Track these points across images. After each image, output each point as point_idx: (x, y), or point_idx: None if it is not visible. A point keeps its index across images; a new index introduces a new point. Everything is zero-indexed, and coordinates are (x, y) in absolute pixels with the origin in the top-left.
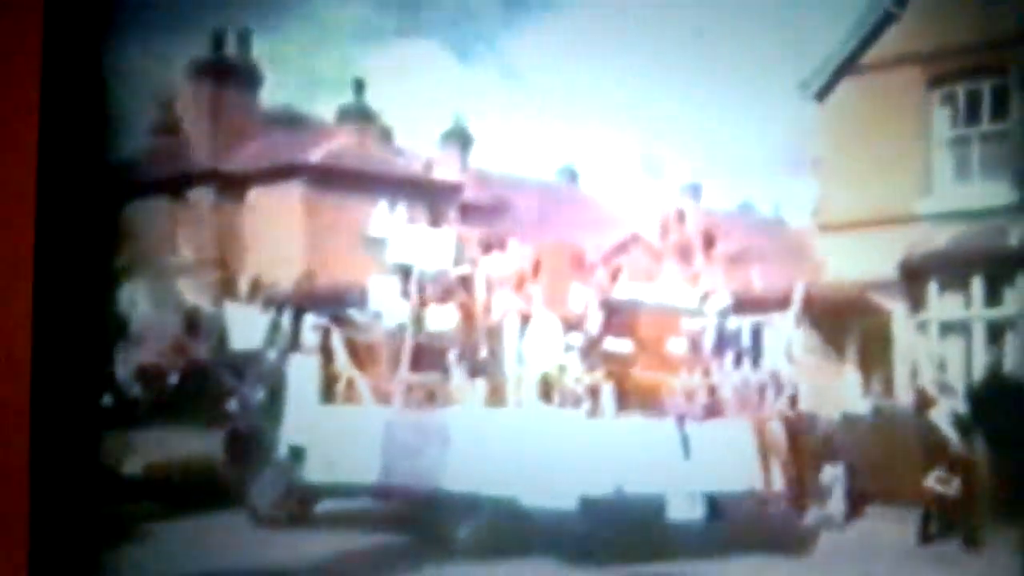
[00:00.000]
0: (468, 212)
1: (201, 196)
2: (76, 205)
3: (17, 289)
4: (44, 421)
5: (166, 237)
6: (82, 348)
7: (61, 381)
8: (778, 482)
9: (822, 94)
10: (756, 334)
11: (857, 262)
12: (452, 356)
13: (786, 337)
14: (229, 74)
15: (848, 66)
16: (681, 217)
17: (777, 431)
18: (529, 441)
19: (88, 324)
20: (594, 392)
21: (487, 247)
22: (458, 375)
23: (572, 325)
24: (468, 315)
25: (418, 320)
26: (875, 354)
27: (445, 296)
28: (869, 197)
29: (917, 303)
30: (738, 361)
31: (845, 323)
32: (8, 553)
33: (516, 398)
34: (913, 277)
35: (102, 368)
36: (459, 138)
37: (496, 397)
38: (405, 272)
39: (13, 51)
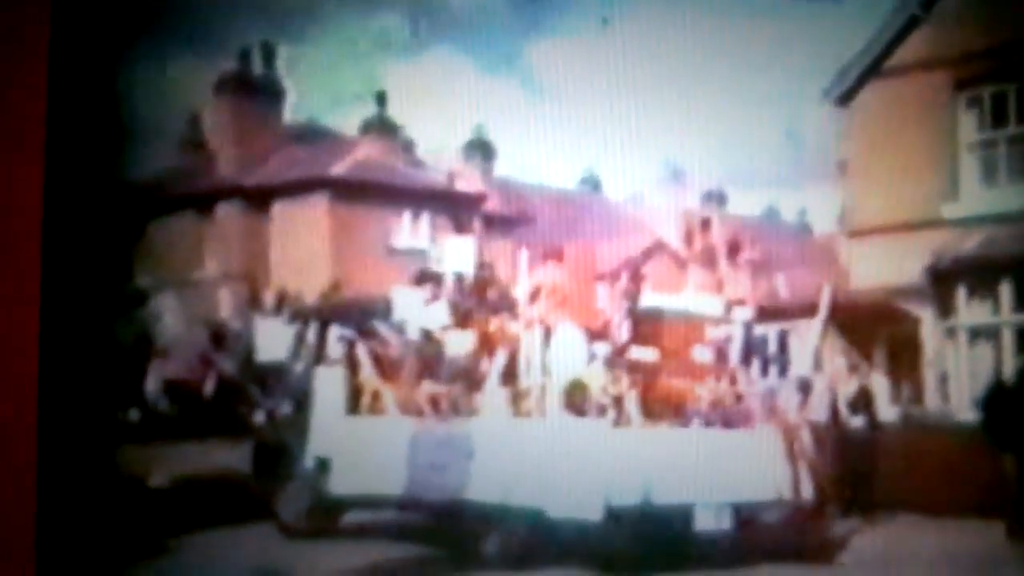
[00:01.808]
0: (491, 222)
1: (227, 211)
2: (84, 222)
3: (23, 302)
4: (52, 436)
5: (193, 252)
6: (93, 363)
7: (68, 398)
8: (806, 491)
9: (847, 99)
10: (782, 341)
11: (884, 268)
12: (481, 366)
13: (813, 344)
14: (254, 89)
15: (873, 71)
16: (706, 224)
17: (806, 439)
18: (555, 451)
19: (97, 340)
20: (619, 401)
21: (544, 257)
22: (485, 385)
23: (597, 334)
24: (497, 326)
25: (443, 331)
26: (904, 361)
27: (477, 307)
28: (895, 202)
29: (945, 309)
30: (765, 369)
31: (873, 330)
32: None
33: (541, 408)
34: (941, 282)
35: (114, 383)
36: (481, 149)
37: (521, 407)
38: (433, 282)
39: (20, 66)
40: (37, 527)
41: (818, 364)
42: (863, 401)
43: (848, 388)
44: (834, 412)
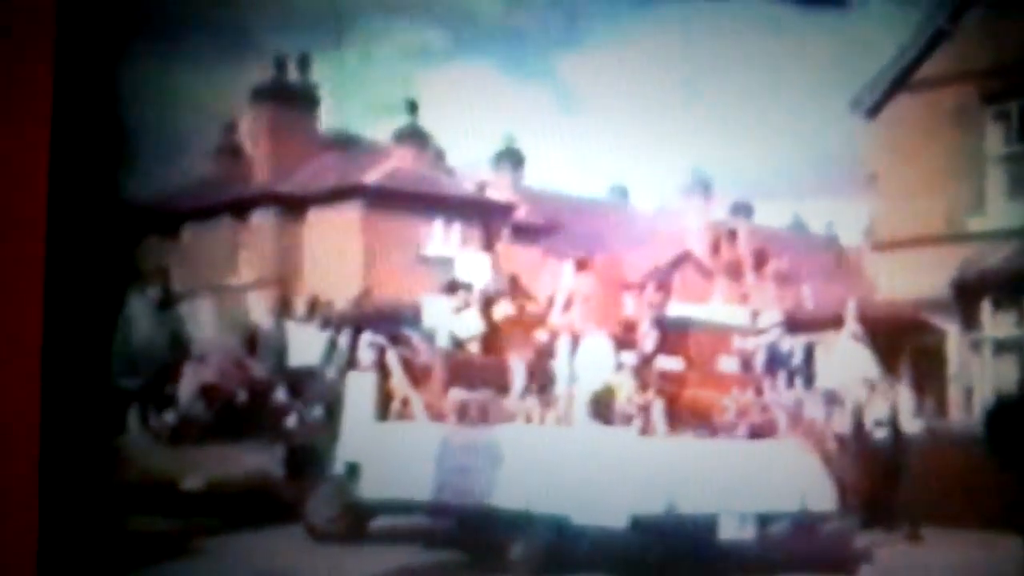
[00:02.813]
0: (521, 231)
1: (262, 217)
2: (87, 232)
3: (25, 304)
4: (55, 436)
5: (228, 258)
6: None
7: (71, 396)
8: (831, 501)
9: (874, 111)
10: (808, 353)
11: (910, 280)
12: (509, 373)
13: (839, 356)
14: (290, 98)
15: (900, 83)
16: (732, 235)
17: (832, 450)
18: (580, 459)
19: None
20: (645, 410)
21: (580, 266)
22: (512, 393)
23: (623, 343)
24: (526, 334)
25: (472, 338)
26: (929, 374)
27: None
28: (922, 215)
29: (971, 322)
30: (791, 380)
31: (898, 342)
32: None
33: (568, 416)
34: (966, 295)
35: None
36: (511, 158)
37: (548, 415)
38: (462, 290)
39: (24, 82)
40: (40, 528)
41: (844, 376)
42: (888, 414)
43: (873, 400)
44: (859, 424)
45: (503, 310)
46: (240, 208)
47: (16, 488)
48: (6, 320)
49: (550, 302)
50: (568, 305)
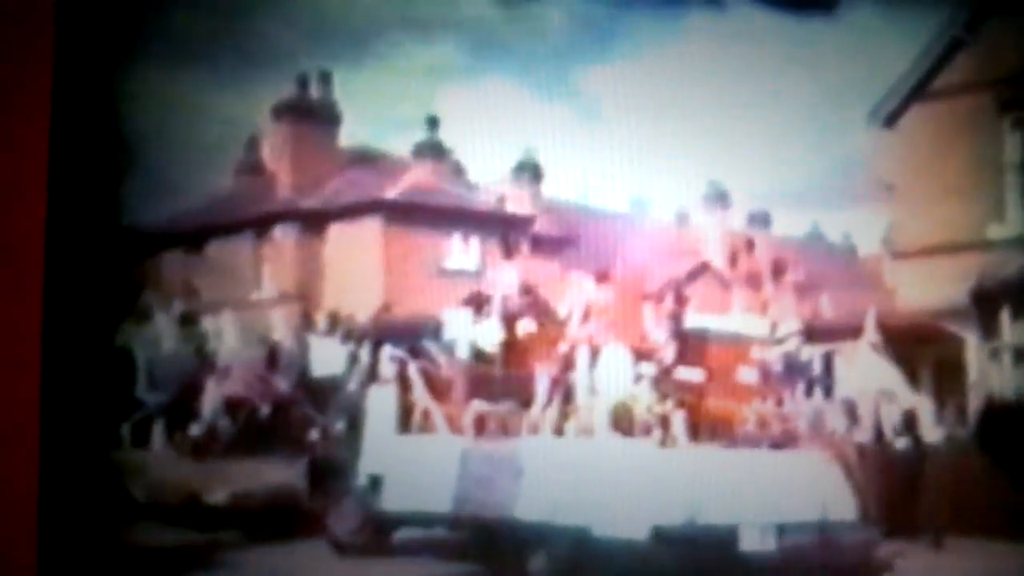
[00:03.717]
0: (540, 243)
1: (284, 233)
2: (86, 245)
3: (24, 305)
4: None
5: (251, 272)
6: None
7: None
8: (852, 511)
9: (892, 121)
10: (828, 363)
11: (929, 289)
12: (529, 385)
13: (860, 365)
14: (312, 114)
15: (918, 93)
16: (750, 246)
17: (853, 460)
18: (601, 471)
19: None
20: (665, 421)
21: (599, 278)
22: (533, 405)
23: (643, 355)
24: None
25: (492, 351)
26: (948, 382)
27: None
28: (940, 224)
29: (990, 330)
30: (810, 390)
31: (918, 351)
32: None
33: (588, 427)
34: (985, 304)
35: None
36: (531, 171)
37: (568, 426)
38: (483, 303)
39: (24, 91)
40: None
41: (863, 386)
42: (908, 423)
43: (893, 410)
44: (879, 434)
45: (525, 325)
46: (262, 224)
47: (18, 502)
48: (5, 334)
49: (569, 315)
50: (587, 317)
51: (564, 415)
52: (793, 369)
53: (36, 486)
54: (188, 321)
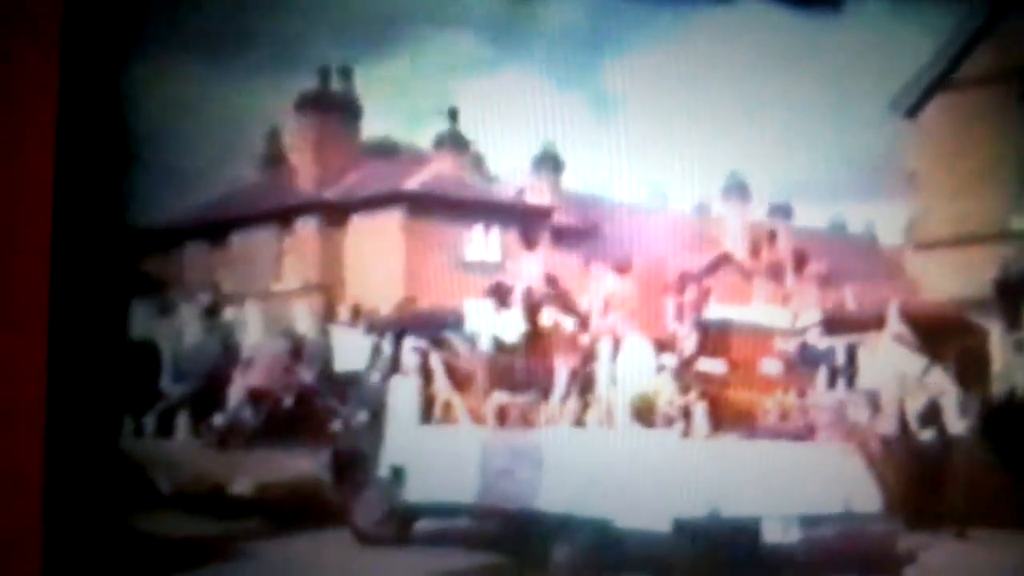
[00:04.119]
0: (560, 235)
1: (306, 225)
2: (93, 238)
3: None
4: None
5: (273, 264)
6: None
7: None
8: (875, 503)
9: (914, 111)
10: (851, 354)
11: (952, 280)
12: (550, 376)
13: (882, 357)
14: (333, 107)
15: (940, 83)
16: (772, 237)
17: (877, 452)
18: (623, 462)
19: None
20: (687, 413)
21: (621, 269)
22: (554, 396)
23: (664, 346)
24: (567, 337)
25: (514, 341)
26: (972, 374)
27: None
28: (963, 214)
29: (1014, 321)
30: (832, 381)
31: (941, 342)
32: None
33: (609, 419)
34: (1009, 295)
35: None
36: (551, 162)
37: (590, 418)
38: (506, 293)
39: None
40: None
41: (887, 377)
42: (933, 414)
43: (917, 401)
44: (903, 425)
45: (547, 316)
46: (285, 216)
47: (24, 496)
48: (11, 330)
49: (590, 306)
50: (608, 308)
51: (585, 406)
52: (811, 359)
53: (42, 480)
54: (212, 313)
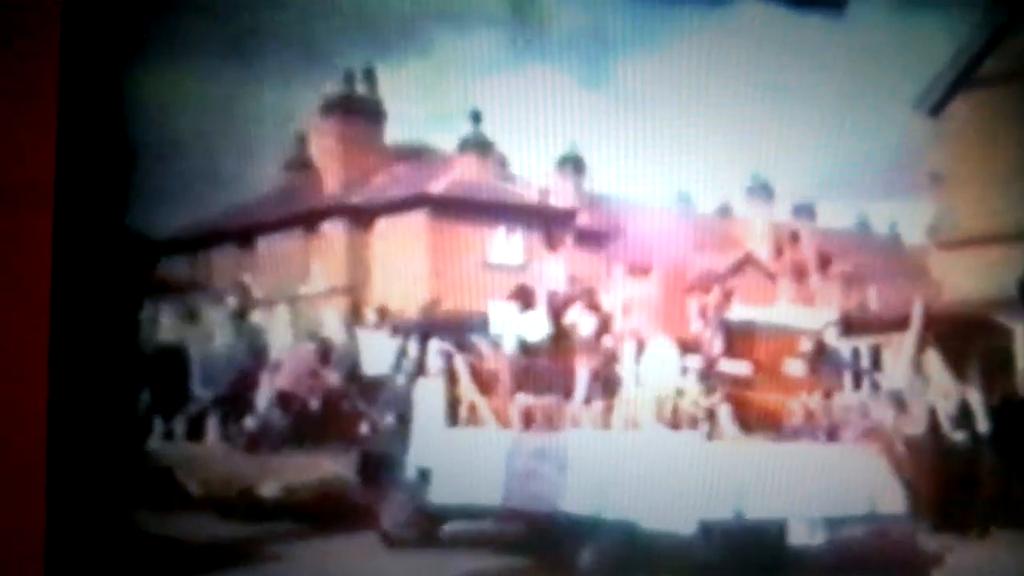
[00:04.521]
0: (583, 236)
1: (332, 228)
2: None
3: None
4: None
5: (300, 267)
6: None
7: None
8: (901, 505)
9: (938, 109)
10: (875, 355)
11: (977, 280)
12: (575, 378)
13: (906, 358)
14: (358, 111)
15: (964, 80)
16: (795, 237)
17: (902, 453)
18: (648, 464)
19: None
20: (712, 415)
21: (635, 270)
22: (578, 398)
23: (688, 347)
24: (591, 339)
25: (538, 343)
26: (997, 374)
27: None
28: (988, 213)
29: None
30: (857, 382)
31: (967, 343)
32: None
33: (634, 420)
34: None
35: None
36: (574, 164)
37: (614, 419)
38: (530, 295)
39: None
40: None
41: (916, 378)
42: (963, 415)
43: (948, 402)
44: (933, 426)
45: (572, 317)
46: (311, 219)
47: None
48: (12, 333)
49: (614, 307)
50: (631, 310)
51: (609, 408)
52: (829, 359)
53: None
54: (240, 316)
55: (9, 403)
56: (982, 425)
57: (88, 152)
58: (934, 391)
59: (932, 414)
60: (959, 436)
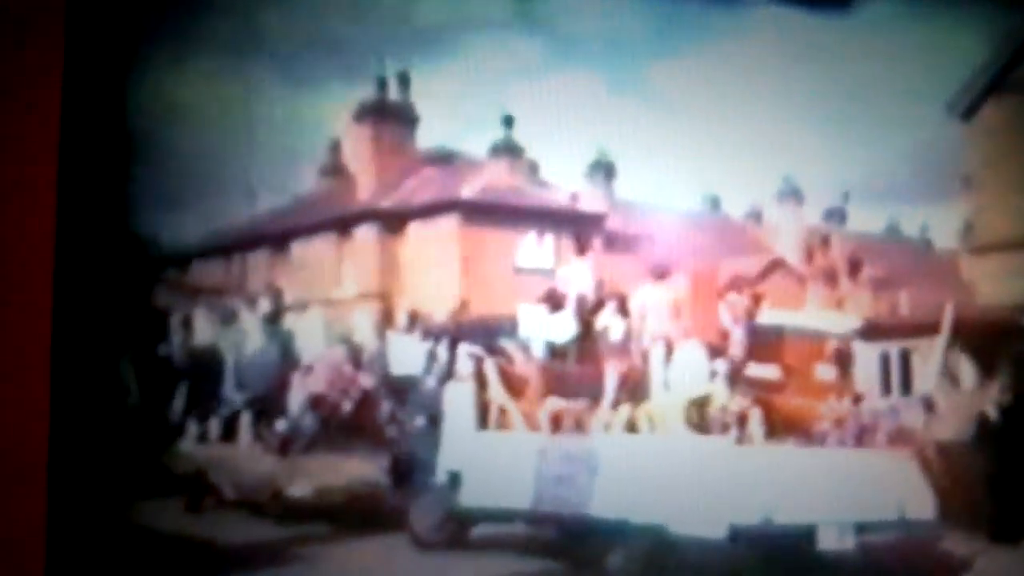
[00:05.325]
0: (613, 241)
1: (364, 232)
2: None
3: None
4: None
5: (332, 272)
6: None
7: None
8: (931, 510)
9: (970, 113)
10: (905, 360)
11: (1008, 285)
12: (604, 382)
13: (937, 362)
14: (391, 116)
15: (996, 85)
16: (826, 241)
17: (932, 458)
18: (677, 469)
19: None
20: (742, 419)
21: (657, 275)
22: (608, 402)
23: (718, 352)
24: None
25: (567, 347)
26: None
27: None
28: (1019, 217)
29: None
30: (887, 387)
31: (997, 348)
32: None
33: (663, 425)
34: None
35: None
36: (604, 168)
37: (643, 424)
38: (556, 300)
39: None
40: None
41: (949, 382)
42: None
43: (979, 406)
44: (984, 430)
45: (601, 321)
46: (344, 224)
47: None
48: (14, 339)
49: (643, 311)
50: (661, 314)
51: (639, 412)
52: (844, 359)
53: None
54: (274, 320)
55: (11, 404)
56: (1013, 430)
57: (90, 154)
58: (971, 396)
59: (963, 418)
60: (991, 441)
